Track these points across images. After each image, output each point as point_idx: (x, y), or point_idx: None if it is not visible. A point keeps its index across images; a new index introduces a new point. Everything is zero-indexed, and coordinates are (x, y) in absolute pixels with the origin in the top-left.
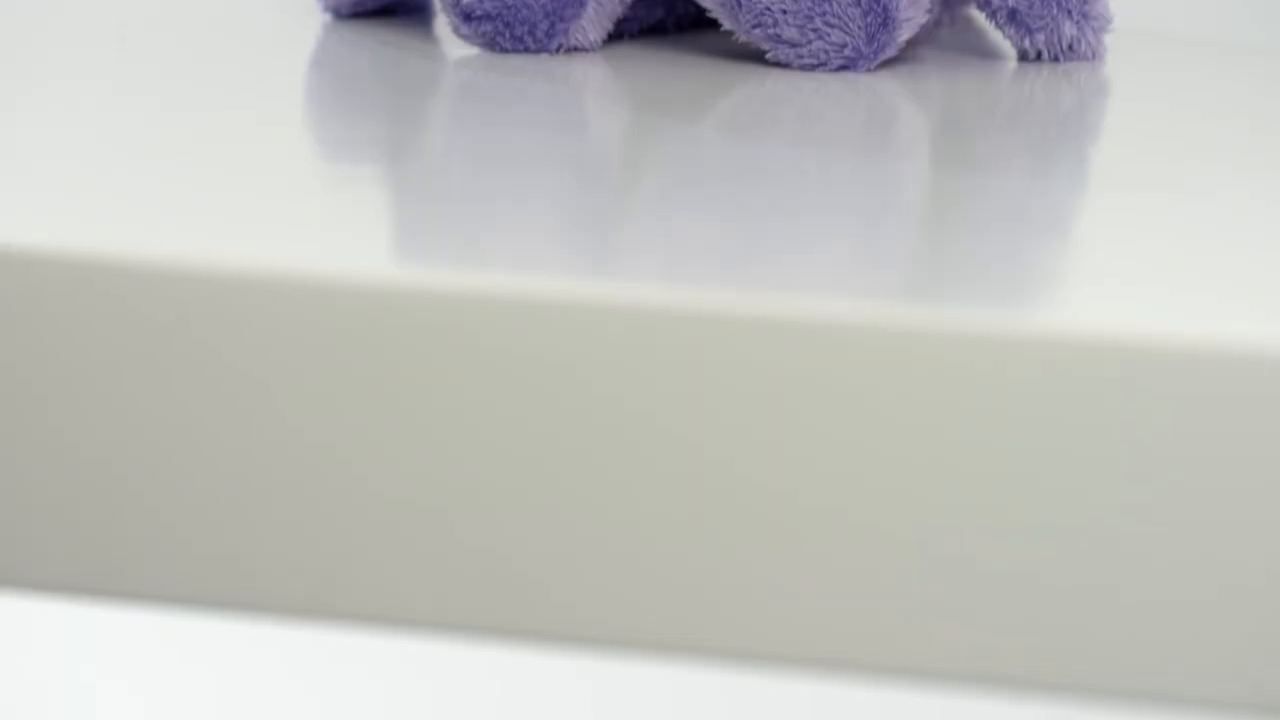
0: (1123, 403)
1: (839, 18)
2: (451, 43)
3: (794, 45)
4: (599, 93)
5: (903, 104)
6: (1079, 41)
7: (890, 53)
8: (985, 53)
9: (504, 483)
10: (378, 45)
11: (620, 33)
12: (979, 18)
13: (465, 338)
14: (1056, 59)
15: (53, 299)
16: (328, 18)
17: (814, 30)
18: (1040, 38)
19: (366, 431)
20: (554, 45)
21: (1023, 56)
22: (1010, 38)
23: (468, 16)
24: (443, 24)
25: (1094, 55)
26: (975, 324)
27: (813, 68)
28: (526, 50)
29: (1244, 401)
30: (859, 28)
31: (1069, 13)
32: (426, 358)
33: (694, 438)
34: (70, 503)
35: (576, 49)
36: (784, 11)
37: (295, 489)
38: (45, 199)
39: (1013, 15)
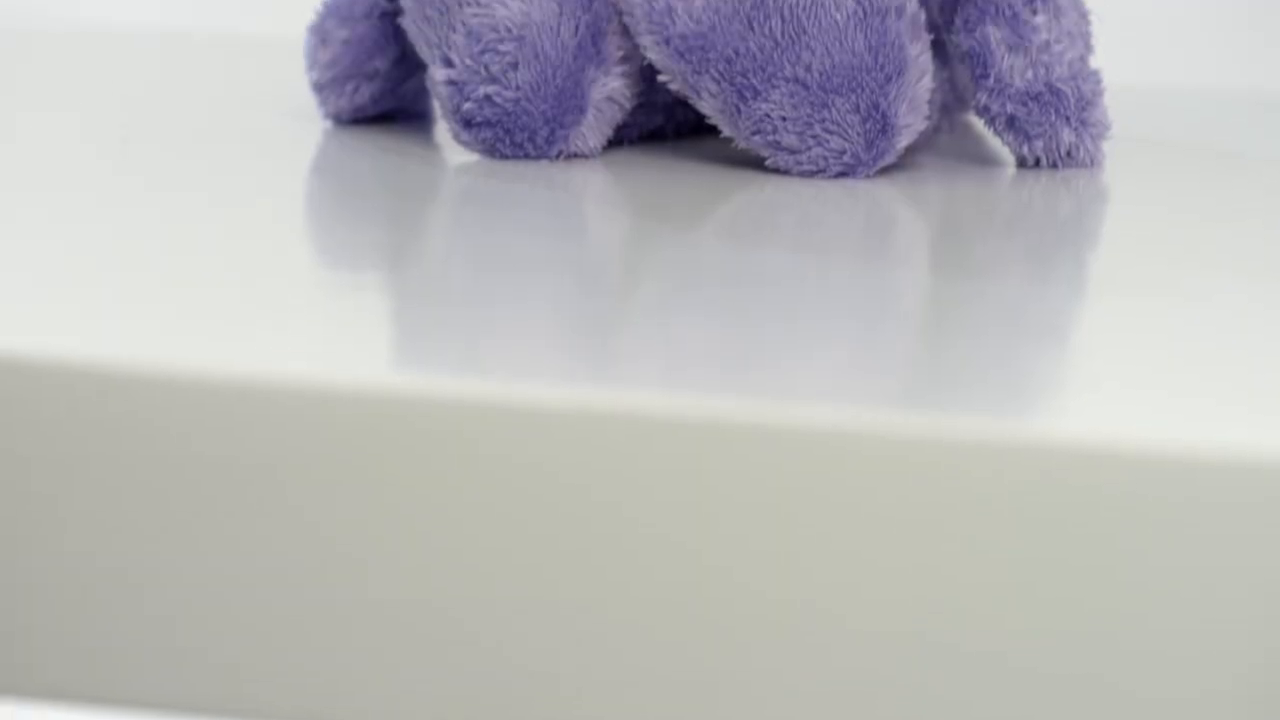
0: (1120, 509)
1: (838, 124)
2: (452, 149)
3: (793, 152)
4: (599, 198)
5: (901, 210)
6: (1077, 148)
7: (889, 159)
8: (984, 159)
9: (504, 589)
10: (378, 151)
11: (620, 139)
12: (978, 124)
13: (465, 445)
14: (1055, 165)
15: (53, 406)
16: (329, 124)
17: (813, 137)
18: (1039, 144)
19: (366, 538)
20: (554, 151)
21: (1021, 163)
22: (1009, 144)
23: (468, 123)
24: (443, 130)
25: (1092, 162)
26: (973, 431)
27: (812, 174)
28: (527, 156)
29: (1241, 509)
30: (858, 134)
31: (1067, 120)
32: (427, 464)
33: (694, 544)
34: (70, 610)
35: (576, 155)
36: (783, 118)
37: (295, 595)
38: (46, 305)
39: (1011, 122)
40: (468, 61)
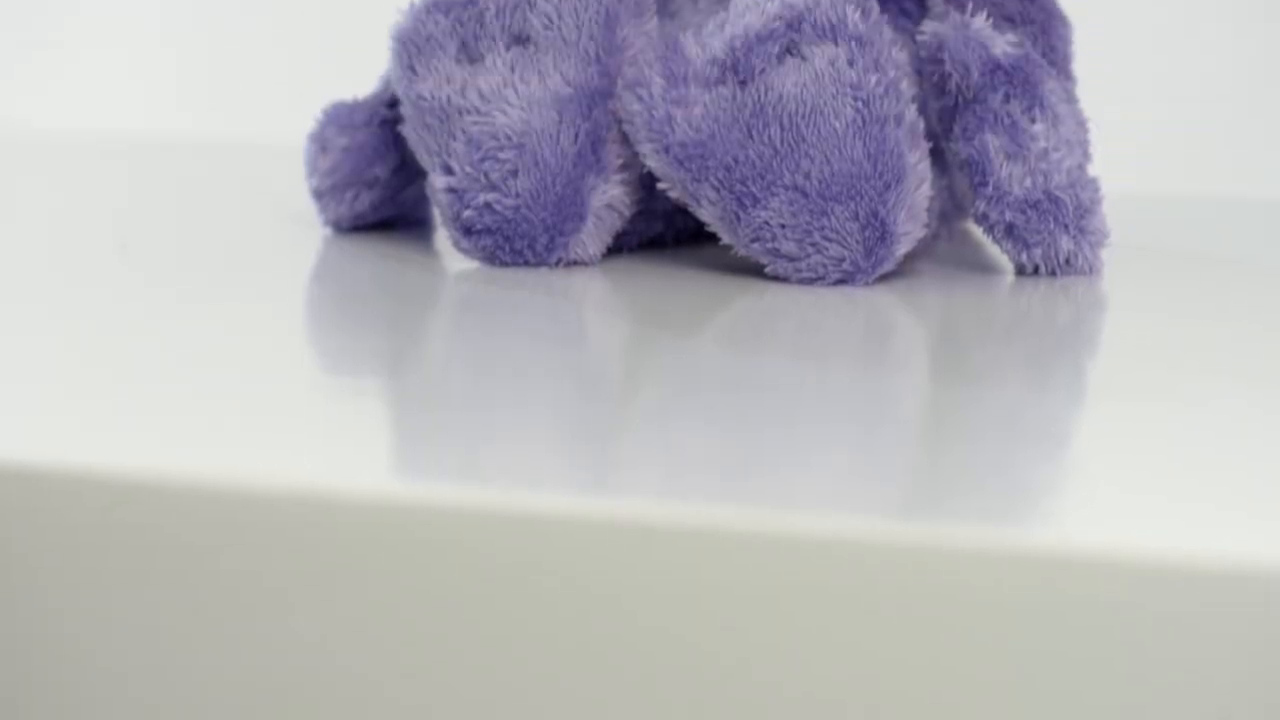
0: (1119, 616)
1: (837, 232)
2: (452, 256)
3: (792, 259)
4: (598, 305)
5: (900, 317)
6: (1076, 256)
7: (888, 267)
8: (983, 267)
9: (505, 696)
10: (378, 258)
11: (620, 246)
12: (976, 232)
13: (465, 551)
14: (1054, 273)
15: (50, 514)
16: (329, 231)
17: (812, 244)
18: (1037, 252)
19: (366, 644)
20: (554, 259)
21: (1020, 270)
22: (1008, 252)
23: (468, 230)
24: (443, 237)
25: (1091, 269)
26: (972, 539)
27: (811, 281)
28: (526, 264)
29: (1239, 616)
30: (857, 242)
31: (1066, 228)
32: (427, 571)
33: (694, 651)
34: (70, 716)
35: (576, 262)
36: (782, 226)
37: (296, 702)
38: (43, 412)
39: (1010, 230)
40: (468, 169)
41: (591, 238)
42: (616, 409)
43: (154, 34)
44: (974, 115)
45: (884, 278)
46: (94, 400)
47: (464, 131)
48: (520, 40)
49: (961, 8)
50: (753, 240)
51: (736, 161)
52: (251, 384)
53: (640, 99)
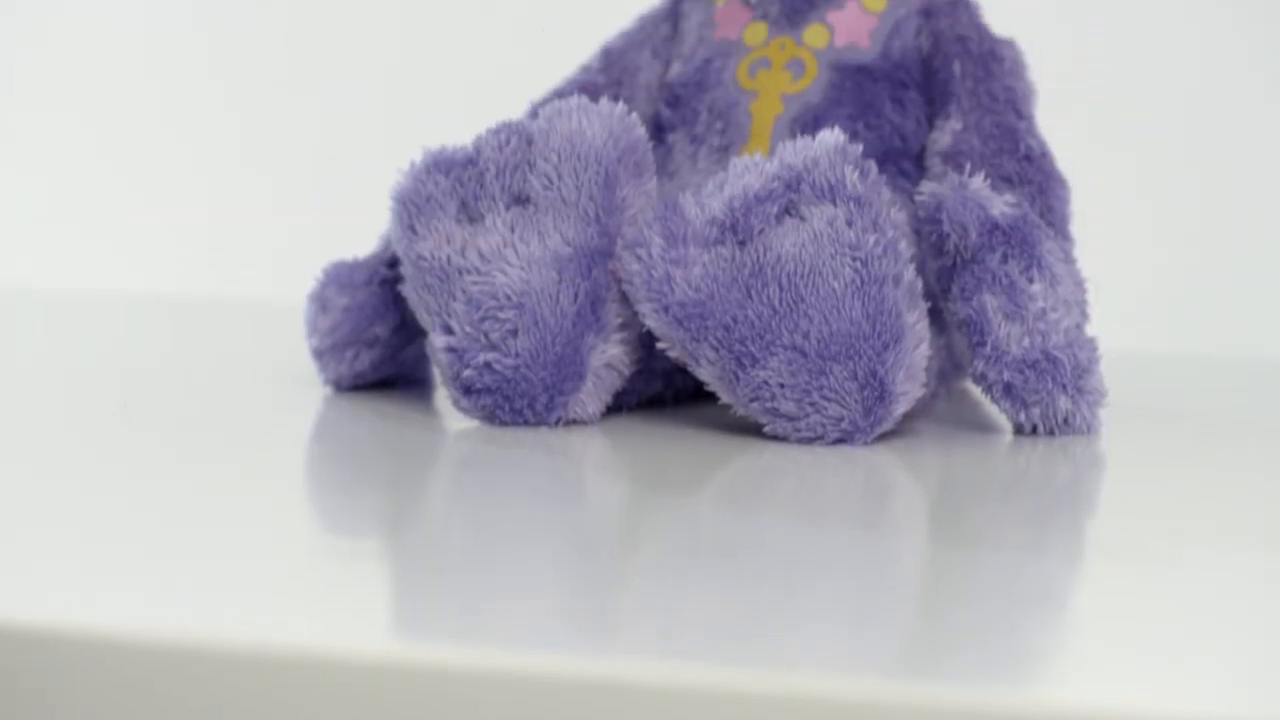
0: None
1: (836, 392)
2: (452, 415)
3: (791, 419)
4: (598, 465)
5: (899, 476)
6: (1074, 415)
7: (887, 426)
8: (981, 425)
9: None
10: (378, 417)
11: (619, 405)
12: (975, 391)
13: (465, 712)
14: (1052, 432)
15: (50, 676)
16: (329, 390)
17: (811, 404)
18: (1036, 412)
19: None
20: (553, 418)
21: (1019, 430)
22: (1006, 412)
23: (468, 389)
24: (443, 396)
25: (1089, 429)
26: (971, 701)
27: (810, 440)
28: (526, 423)
29: None
30: (856, 401)
31: (1064, 387)
32: None
33: None
34: None
35: (575, 421)
36: (781, 385)
37: None
38: (43, 574)
39: (1008, 390)
40: (467, 329)
41: (591, 397)
42: (616, 568)
43: (152, 195)
44: (972, 275)
45: (883, 437)
46: (92, 559)
47: (464, 291)
48: (520, 200)
49: (959, 168)
50: (752, 399)
51: (735, 321)
52: (251, 543)
53: (639, 259)
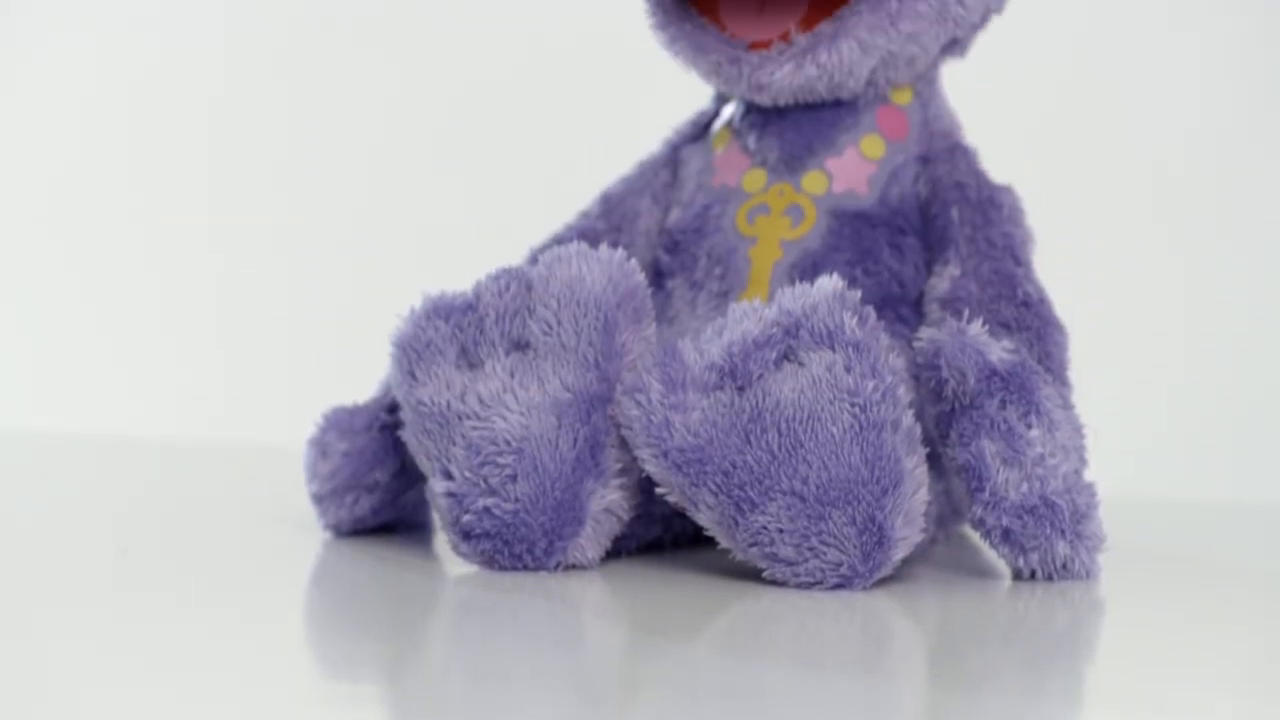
0: None
1: (835, 537)
2: (451, 560)
3: (790, 564)
4: (597, 610)
5: (898, 622)
6: (1073, 561)
7: (886, 571)
8: (980, 571)
9: None
10: (377, 562)
11: (618, 549)
12: (974, 536)
13: None
14: (1051, 578)
15: None
16: (328, 535)
17: (810, 549)
18: (1034, 557)
19: None
20: (552, 563)
21: (1017, 575)
22: (1005, 557)
23: (467, 534)
24: (443, 541)
25: (1088, 574)
26: None
27: (809, 585)
28: (525, 568)
29: None
30: (855, 546)
31: (1062, 533)
32: None
33: None
34: None
35: (575, 566)
36: (780, 530)
37: None
38: (45, 716)
39: (1006, 535)
40: (467, 474)
41: (590, 542)
42: (616, 715)
43: (153, 340)
44: (970, 421)
45: (881, 582)
46: (92, 703)
47: (464, 436)
48: (520, 346)
49: (958, 314)
50: (750, 545)
51: (734, 467)
52: (252, 688)
53: (639, 404)
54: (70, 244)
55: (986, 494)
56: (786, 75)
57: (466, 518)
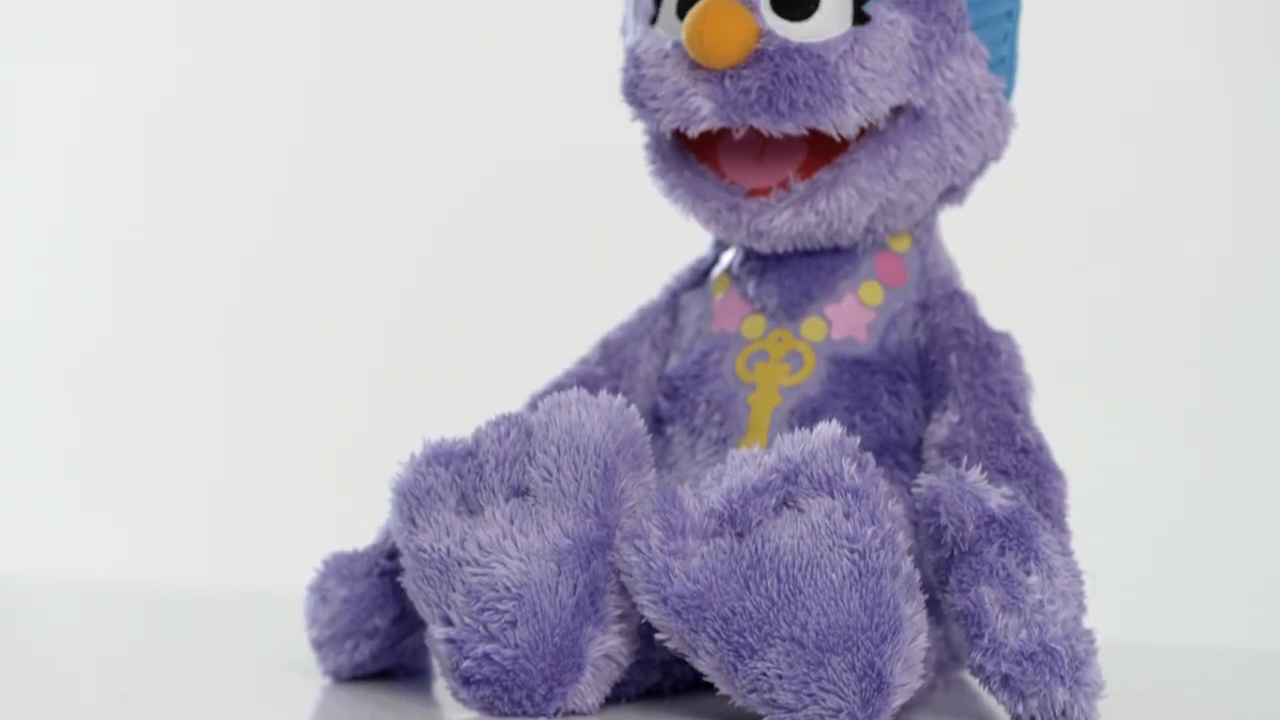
0: None
1: (834, 683)
2: (451, 706)
3: (790, 710)
4: None
5: None
6: (1072, 707)
7: (885, 718)
8: (980, 717)
9: None
10: (377, 708)
11: (618, 696)
12: (973, 682)
13: None
14: None
15: None
16: (328, 680)
17: (809, 695)
18: (1033, 704)
19: None
20: (552, 709)
21: None
22: (1004, 703)
23: (467, 680)
24: (442, 687)
25: None
26: None
27: None
28: (525, 715)
29: None
30: (854, 693)
31: (1062, 679)
32: None
33: None
34: None
35: (574, 713)
36: (780, 676)
37: None
38: None
39: (1006, 681)
40: (467, 620)
41: (590, 688)
42: None
43: (152, 483)
44: (969, 567)
45: None
46: None
47: (463, 583)
48: (519, 492)
49: (956, 461)
50: (750, 691)
51: (734, 613)
52: None
53: (638, 550)
54: (65, 384)
55: (986, 640)
56: (785, 222)
57: (466, 664)
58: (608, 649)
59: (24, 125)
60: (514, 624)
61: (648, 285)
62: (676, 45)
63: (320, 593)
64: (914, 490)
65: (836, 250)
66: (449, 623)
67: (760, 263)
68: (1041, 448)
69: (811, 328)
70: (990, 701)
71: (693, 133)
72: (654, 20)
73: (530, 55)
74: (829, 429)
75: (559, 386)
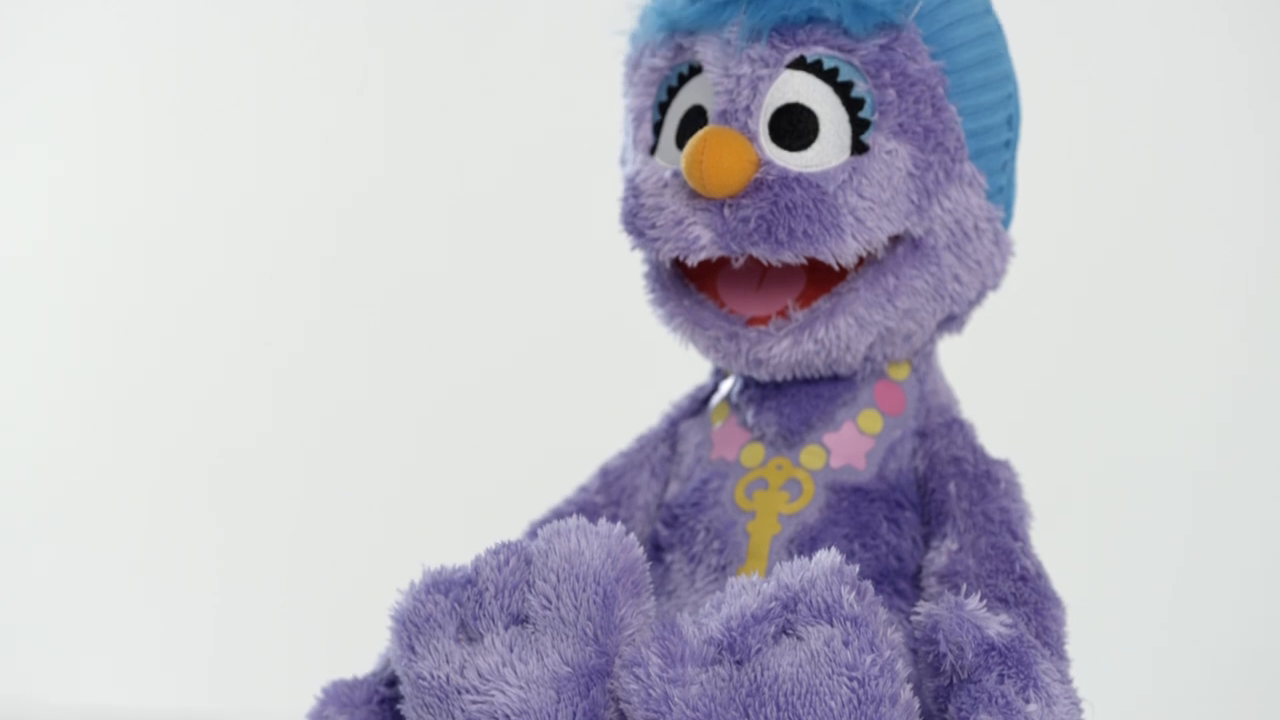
0: None
1: None
2: None
3: None
4: None
5: None
6: None
7: None
8: None
9: None
10: None
11: None
12: None
13: None
14: None
15: None
16: None
17: None
18: None
19: None
20: None
21: None
22: None
23: None
24: None
25: None
26: None
27: None
28: None
29: None
30: None
31: None
32: None
33: None
34: None
35: None
36: None
37: None
38: None
39: None
40: None
41: None
42: None
43: (152, 610)
44: (969, 695)
45: None
46: None
47: (463, 710)
48: (519, 620)
49: (955, 588)
50: None
51: None
52: None
53: (637, 678)
54: (61, 513)
55: None
56: (784, 351)
57: None
58: None
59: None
60: None
61: (648, 412)
62: (676, 174)
63: None
64: (913, 618)
65: (835, 378)
66: None
67: (759, 391)
68: (1040, 575)
69: (810, 456)
70: None
71: (692, 261)
72: (653, 150)
73: (548, 195)
74: (828, 557)
75: (558, 514)
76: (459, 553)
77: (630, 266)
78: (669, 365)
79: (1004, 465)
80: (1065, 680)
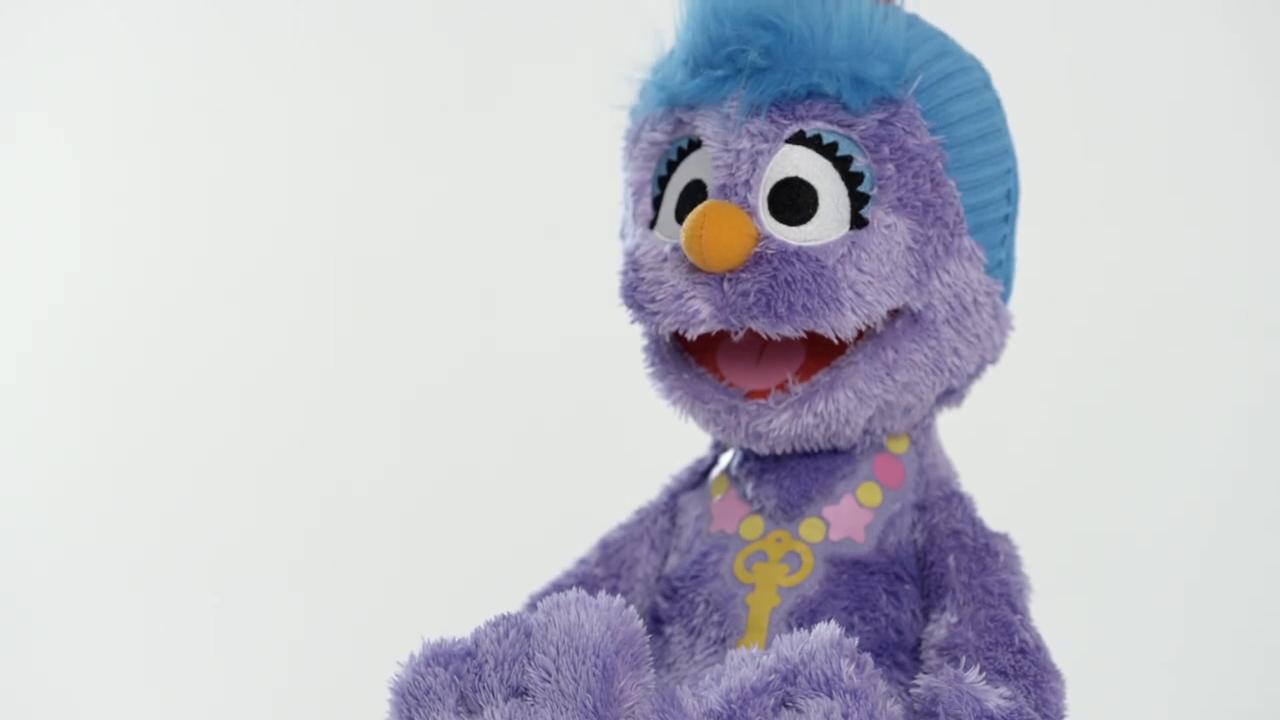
0: None
1: None
2: None
3: None
4: None
5: None
6: None
7: None
8: None
9: None
10: None
11: None
12: None
13: None
14: None
15: None
16: None
17: None
18: None
19: None
20: None
21: None
22: None
23: None
24: None
25: None
26: None
27: None
28: None
29: None
30: None
31: None
32: None
33: None
34: None
35: None
36: None
37: None
38: None
39: None
40: None
41: None
42: None
43: (150, 677)
44: None
45: None
46: None
47: None
48: (518, 692)
49: (955, 661)
50: None
51: None
52: None
53: None
54: (55, 601)
55: None
56: (784, 424)
57: None
58: None
59: None
60: None
61: (647, 485)
62: (675, 248)
63: None
64: (912, 690)
65: (835, 451)
66: None
67: (759, 464)
68: (1040, 648)
69: (810, 528)
70: None
71: (691, 335)
72: (653, 224)
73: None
74: (827, 629)
75: (558, 587)
76: (458, 625)
77: (630, 336)
78: (668, 438)
79: (1003, 538)
80: None
